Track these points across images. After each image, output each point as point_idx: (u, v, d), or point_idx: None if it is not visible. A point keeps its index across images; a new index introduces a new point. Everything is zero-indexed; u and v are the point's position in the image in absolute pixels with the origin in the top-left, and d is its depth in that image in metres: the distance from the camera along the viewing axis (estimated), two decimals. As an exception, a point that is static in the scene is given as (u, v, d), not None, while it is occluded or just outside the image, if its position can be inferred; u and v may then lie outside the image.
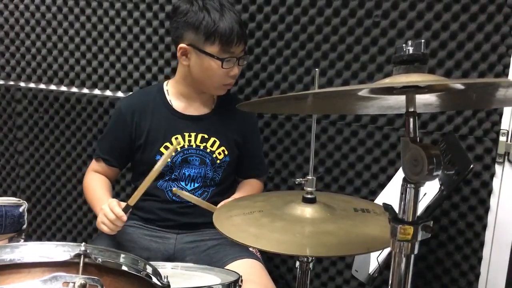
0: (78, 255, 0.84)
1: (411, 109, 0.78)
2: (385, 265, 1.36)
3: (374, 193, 1.76)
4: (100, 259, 0.85)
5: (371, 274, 1.42)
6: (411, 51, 0.75)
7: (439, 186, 1.33)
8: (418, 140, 0.77)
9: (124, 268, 0.90)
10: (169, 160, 1.53)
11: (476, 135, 1.64)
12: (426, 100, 0.89)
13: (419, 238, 0.79)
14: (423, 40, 0.75)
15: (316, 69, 1.16)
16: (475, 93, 0.88)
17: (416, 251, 0.80)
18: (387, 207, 0.81)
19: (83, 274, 0.82)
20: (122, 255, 0.91)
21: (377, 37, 1.67)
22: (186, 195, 1.47)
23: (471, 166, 1.23)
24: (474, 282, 1.70)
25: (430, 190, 1.35)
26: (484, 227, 1.67)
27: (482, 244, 1.68)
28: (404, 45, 0.76)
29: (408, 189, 0.79)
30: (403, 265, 0.80)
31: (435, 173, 0.74)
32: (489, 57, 1.57)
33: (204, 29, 1.47)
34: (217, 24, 1.47)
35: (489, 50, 1.57)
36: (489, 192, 1.65)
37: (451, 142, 1.55)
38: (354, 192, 1.80)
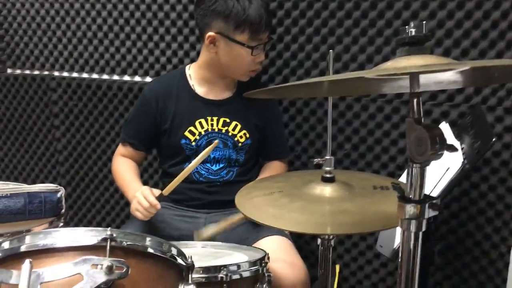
0: (105, 239, 0.89)
1: (415, 90, 0.78)
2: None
3: (401, 168, 1.75)
4: (125, 242, 0.91)
5: (396, 249, 1.43)
6: (413, 33, 0.75)
7: (462, 160, 1.33)
8: (422, 121, 0.78)
9: (150, 250, 0.94)
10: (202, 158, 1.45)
11: (505, 106, 1.60)
12: (435, 78, 0.89)
13: (426, 216, 0.80)
14: (424, 22, 0.75)
15: (331, 51, 1.17)
16: (497, 70, 0.85)
17: (424, 228, 0.82)
18: (395, 186, 0.83)
19: (110, 256, 0.88)
20: (148, 238, 0.95)
21: (391, 19, 1.67)
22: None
23: (493, 139, 1.22)
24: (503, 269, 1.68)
25: (453, 164, 1.34)
26: (515, 199, 1.65)
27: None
28: (406, 27, 0.77)
29: (414, 169, 0.80)
30: (411, 242, 0.82)
31: (439, 153, 0.75)
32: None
33: (234, 18, 1.49)
34: (247, 13, 1.48)
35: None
36: (519, 164, 1.62)
37: (477, 115, 1.53)
38: (381, 168, 1.79)
